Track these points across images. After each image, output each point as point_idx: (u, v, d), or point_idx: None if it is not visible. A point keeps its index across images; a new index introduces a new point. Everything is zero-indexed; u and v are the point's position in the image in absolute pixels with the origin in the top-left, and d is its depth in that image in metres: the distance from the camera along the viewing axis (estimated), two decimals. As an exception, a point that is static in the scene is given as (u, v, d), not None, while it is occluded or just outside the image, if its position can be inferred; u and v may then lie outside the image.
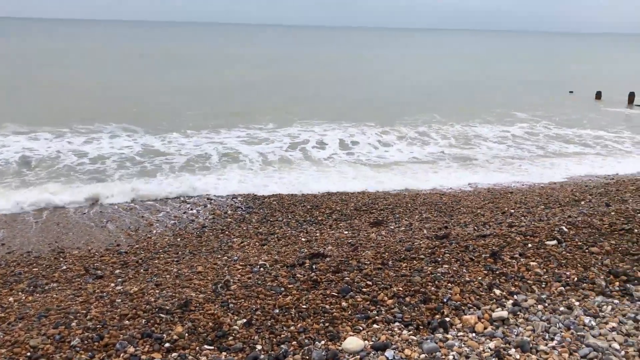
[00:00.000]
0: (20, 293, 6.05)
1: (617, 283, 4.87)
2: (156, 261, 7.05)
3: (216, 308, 4.53)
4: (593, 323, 4.09)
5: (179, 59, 49.67)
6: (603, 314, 4.27)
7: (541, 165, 14.50)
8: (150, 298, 4.98)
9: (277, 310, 4.44)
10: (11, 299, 5.78)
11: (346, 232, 7.93)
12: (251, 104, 23.31)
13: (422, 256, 5.69)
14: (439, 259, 5.53)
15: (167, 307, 4.58)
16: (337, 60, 56.04)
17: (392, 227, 8.20)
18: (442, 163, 14.60)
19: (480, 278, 4.96)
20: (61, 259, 7.30)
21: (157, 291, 5.26)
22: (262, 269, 5.77)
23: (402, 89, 30.93)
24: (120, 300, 5.04)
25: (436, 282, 4.87)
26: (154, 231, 8.73)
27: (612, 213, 7.32)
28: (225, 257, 6.78)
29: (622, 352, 3.68)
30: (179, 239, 8.22)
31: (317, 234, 7.97)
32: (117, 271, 6.68)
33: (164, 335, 4.06)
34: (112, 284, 5.94)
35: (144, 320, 4.33)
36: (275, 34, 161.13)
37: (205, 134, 16.95)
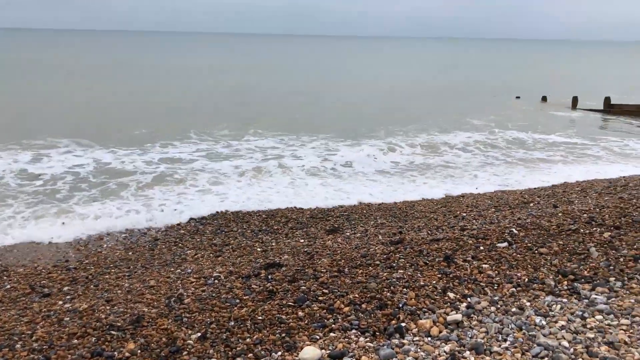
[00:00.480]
0: (-40, 315, 5.76)
1: (565, 282, 5.01)
2: (107, 276, 6.84)
3: (169, 323, 4.42)
4: (543, 322, 4.19)
5: (142, 69, 48.71)
6: (553, 313, 4.38)
7: (517, 173, 14.14)
8: (100, 315, 4.82)
9: (232, 323, 4.37)
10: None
11: (302, 241, 7.91)
12: (200, 117, 22.92)
13: (377, 262, 5.72)
14: (394, 264, 5.57)
15: (119, 324, 4.45)
16: (291, 70, 56.04)
17: (348, 233, 8.22)
18: (415, 173, 13.98)
19: (434, 282, 5.02)
20: (5, 277, 6.99)
21: (108, 307, 5.10)
22: (216, 281, 5.68)
23: (354, 98, 30.94)
24: (68, 318, 4.85)
25: (392, 287, 4.90)
26: (105, 245, 8.48)
27: (560, 214, 7.55)
28: (179, 270, 6.64)
29: (571, 350, 3.78)
30: (130, 253, 8.01)
31: (273, 244, 7.91)
32: (66, 288, 6.44)
33: (115, 353, 3.94)
34: (60, 302, 5.72)
35: (93, 339, 4.19)
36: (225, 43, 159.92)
37: (159, 148, 16.03)
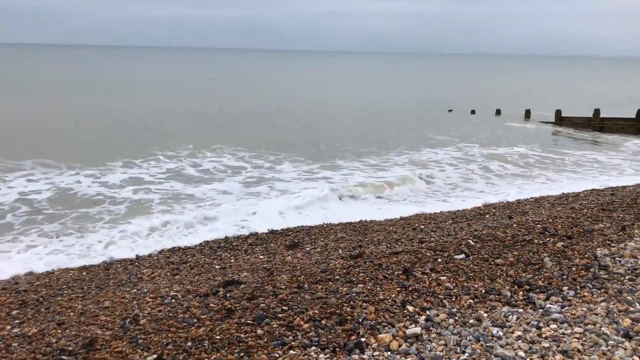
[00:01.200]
0: None
1: (521, 293, 5.11)
2: (59, 298, 6.59)
3: (124, 345, 4.29)
4: (500, 333, 4.25)
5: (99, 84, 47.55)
6: (509, 323, 4.44)
7: (501, 192, 13.54)
8: (51, 339, 4.63)
9: (189, 343, 4.26)
10: None
11: (262, 257, 7.83)
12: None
13: (337, 277, 5.70)
14: (354, 279, 5.57)
15: (70, 348, 4.29)
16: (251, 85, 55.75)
17: (308, 248, 8.19)
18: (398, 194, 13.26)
19: (393, 295, 5.03)
20: (-51, 302, 6.66)
21: (60, 331, 4.91)
22: (173, 300, 5.55)
23: (308, 116, 30.22)
24: (17, 344, 4.64)
25: (351, 302, 4.88)
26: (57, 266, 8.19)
27: (514, 225, 7.72)
28: (135, 290, 6.46)
29: (528, 359, 3.84)
30: (84, 273, 7.76)
31: (232, 260, 7.80)
32: (15, 312, 6.18)
33: (66, 379, 3.78)
34: (9, 327, 5.48)
35: (43, 365, 4.02)
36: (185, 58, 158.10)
37: (120, 167, 15.28)
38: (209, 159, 16.90)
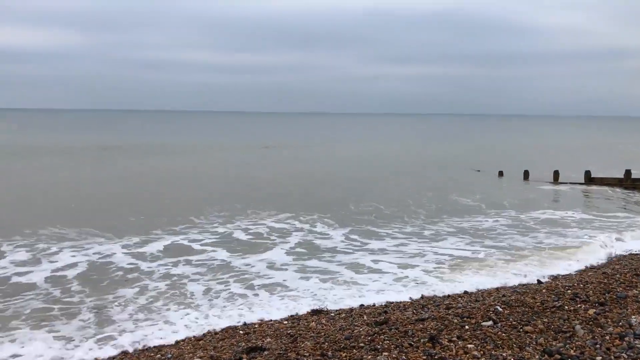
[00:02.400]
0: None
1: (551, 362, 4.94)
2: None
3: (145, 414, 4.24)
4: (530, 406, 4.09)
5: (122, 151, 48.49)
6: (540, 395, 4.28)
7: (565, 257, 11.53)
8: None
9: (210, 413, 4.20)
10: None
11: (286, 322, 7.75)
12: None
13: (361, 344, 5.62)
14: (379, 346, 5.48)
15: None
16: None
17: (333, 314, 8.08)
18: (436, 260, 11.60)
19: (419, 365, 4.92)
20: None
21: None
22: (196, 367, 5.51)
23: (328, 176, 28.76)
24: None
25: (376, 371, 4.78)
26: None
27: (544, 290, 7.54)
28: (159, 355, 6.45)
29: None
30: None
31: (256, 326, 7.74)
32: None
33: None
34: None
35: None
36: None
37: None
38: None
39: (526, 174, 30.75)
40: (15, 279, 10.13)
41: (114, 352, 6.87)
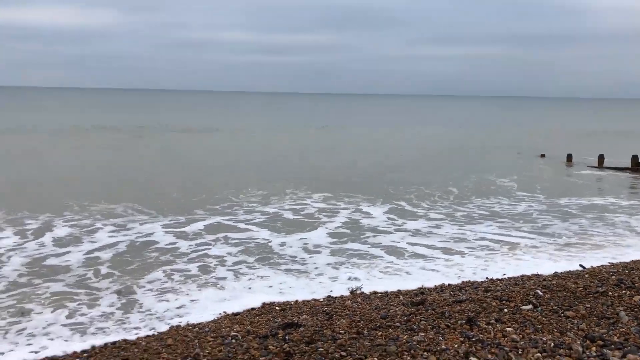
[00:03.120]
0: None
1: (594, 348, 4.81)
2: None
3: (184, 384, 4.33)
4: (571, 391, 4.00)
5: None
6: (581, 381, 4.18)
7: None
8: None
9: (247, 385, 4.26)
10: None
11: (322, 300, 7.79)
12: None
13: (397, 324, 5.59)
14: (415, 327, 5.43)
15: (132, 385, 4.37)
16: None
17: (368, 293, 8.08)
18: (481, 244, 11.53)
19: (456, 346, 4.86)
20: None
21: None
22: (233, 340, 5.58)
23: (379, 160, 29.12)
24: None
25: (412, 351, 4.75)
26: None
27: (586, 275, 7.35)
28: (197, 329, 6.56)
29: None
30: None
31: (292, 303, 7.80)
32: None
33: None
34: None
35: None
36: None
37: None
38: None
39: (569, 157, 29.92)
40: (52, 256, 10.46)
41: (149, 331, 6.99)
